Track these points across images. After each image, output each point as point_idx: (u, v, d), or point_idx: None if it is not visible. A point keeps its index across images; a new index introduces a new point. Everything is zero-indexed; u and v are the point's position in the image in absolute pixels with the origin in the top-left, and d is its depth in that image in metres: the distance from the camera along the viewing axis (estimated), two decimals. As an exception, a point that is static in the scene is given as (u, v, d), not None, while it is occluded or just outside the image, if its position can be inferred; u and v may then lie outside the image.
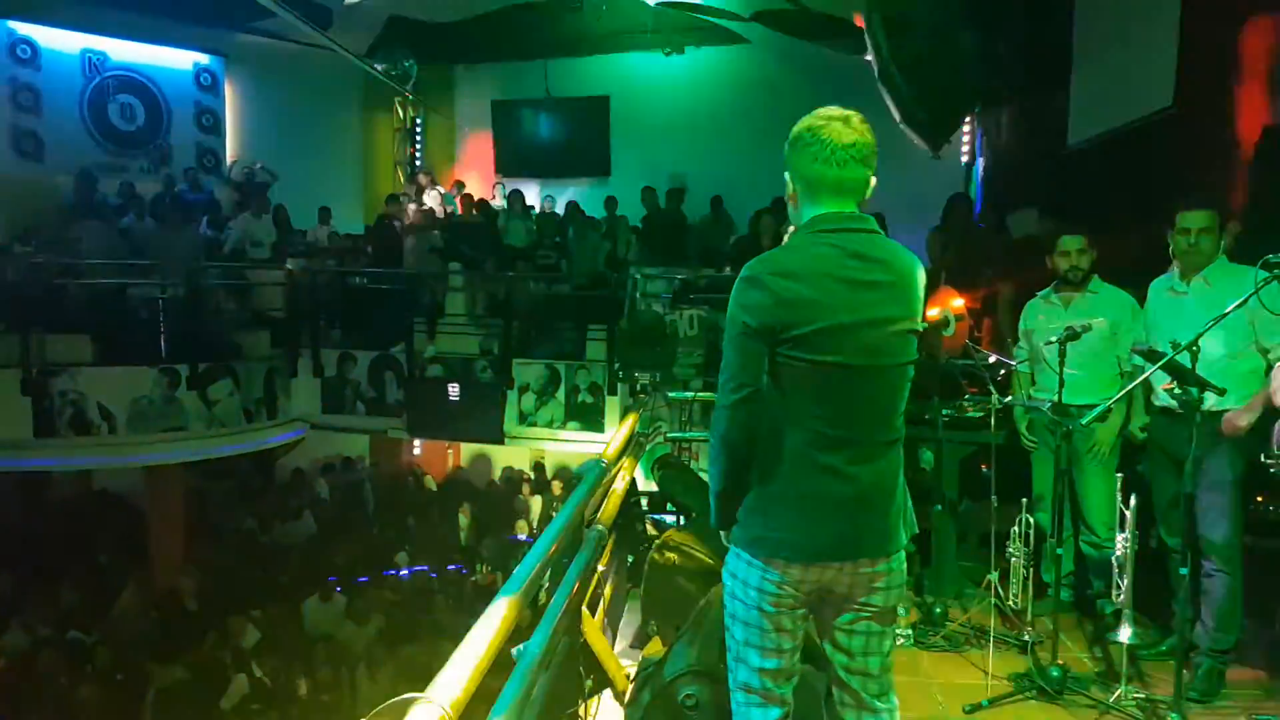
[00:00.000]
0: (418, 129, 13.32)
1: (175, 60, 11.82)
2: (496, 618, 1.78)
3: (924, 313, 1.94)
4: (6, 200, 9.83)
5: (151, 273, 8.60)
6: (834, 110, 1.90)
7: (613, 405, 8.59)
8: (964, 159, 10.38)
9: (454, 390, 8.92)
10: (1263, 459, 3.05)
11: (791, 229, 2.03)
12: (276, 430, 9.04)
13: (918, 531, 2.06)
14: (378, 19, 11.72)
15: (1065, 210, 6.39)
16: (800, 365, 1.82)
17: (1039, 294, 4.04)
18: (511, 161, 12.85)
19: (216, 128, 12.16)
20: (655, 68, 11.87)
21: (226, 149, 12.21)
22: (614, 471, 3.67)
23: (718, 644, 2.75)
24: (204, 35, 11.76)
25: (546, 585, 2.56)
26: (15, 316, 7.74)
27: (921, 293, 1.92)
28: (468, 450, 12.16)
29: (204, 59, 12.01)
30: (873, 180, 1.92)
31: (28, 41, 10.68)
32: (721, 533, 2.02)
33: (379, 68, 11.80)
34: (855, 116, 1.90)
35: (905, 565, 1.99)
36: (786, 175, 1.96)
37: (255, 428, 8.79)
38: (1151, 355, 3.00)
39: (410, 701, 1.33)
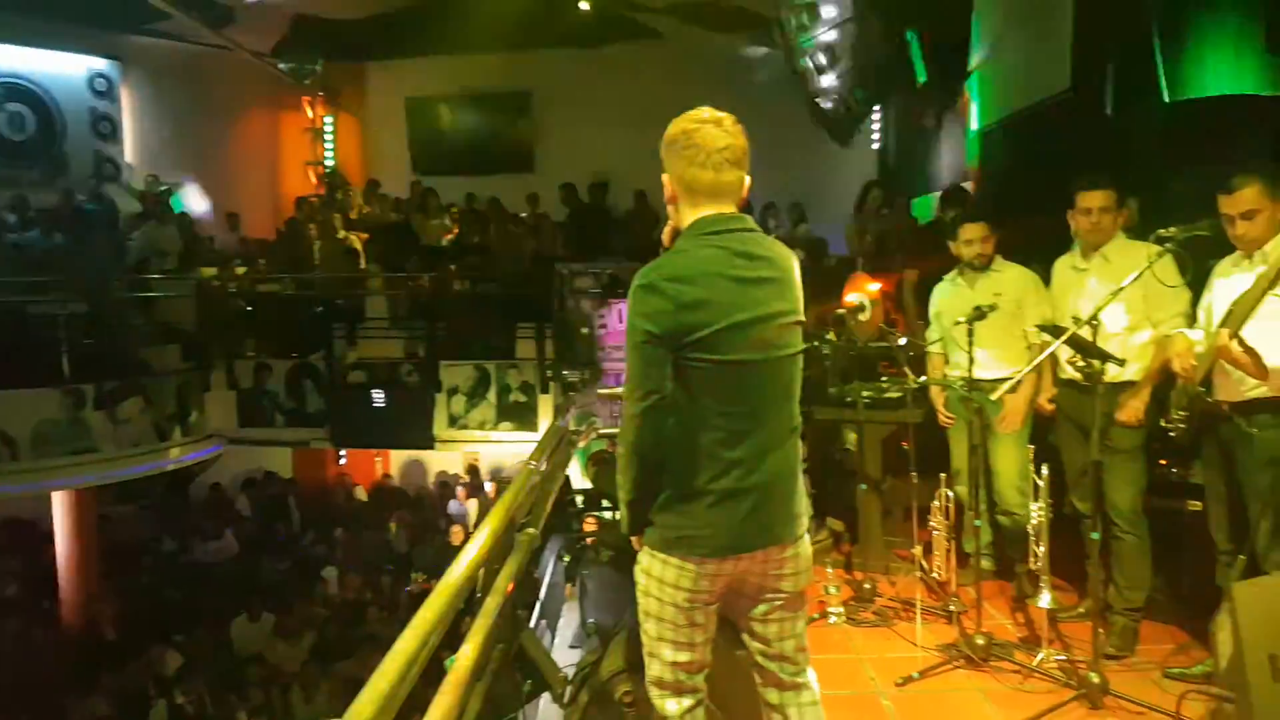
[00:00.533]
0: (327, 129, 12.94)
1: (67, 66, 11.19)
2: (422, 627, 1.74)
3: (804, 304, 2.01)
4: None
5: (51, 290, 8.17)
6: (705, 113, 1.95)
7: (545, 403, 8.53)
8: (875, 145, 10.63)
9: (379, 397, 8.72)
10: (1162, 423, 3.22)
11: (669, 226, 2.08)
12: (192, 447, 8.70)
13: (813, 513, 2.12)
14: (283, 17, 11.33)
15: (965, 194, 6.63)
16: (704, 366, 1.86)
17: (945, 277, 4.16)
18: (429, 159, 12.60)
19: (114, 135, 11.57)
20: (574, 61, 11.79)
21: (126, 156, 11.64)
22: (545, 471, 3.64)
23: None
24: (97, 39, 11.16)
25: (479, 592, 2.53)
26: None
27: (799, 286, 2.00)
28: (398, 457, 11.92)
29: (98, 64, 11.39)
30: (747, 180, 1.98)
31: None
32: (631, 538, 2.04)
33: (283, 67, 11.42)
34: (727, 119, 1.94)
35: (810, 549, 2.06)
36: (664, 177, 1.99)
37: (169, 445, 8.45)
38: (1055, 330, 3.12)
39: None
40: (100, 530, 8.83)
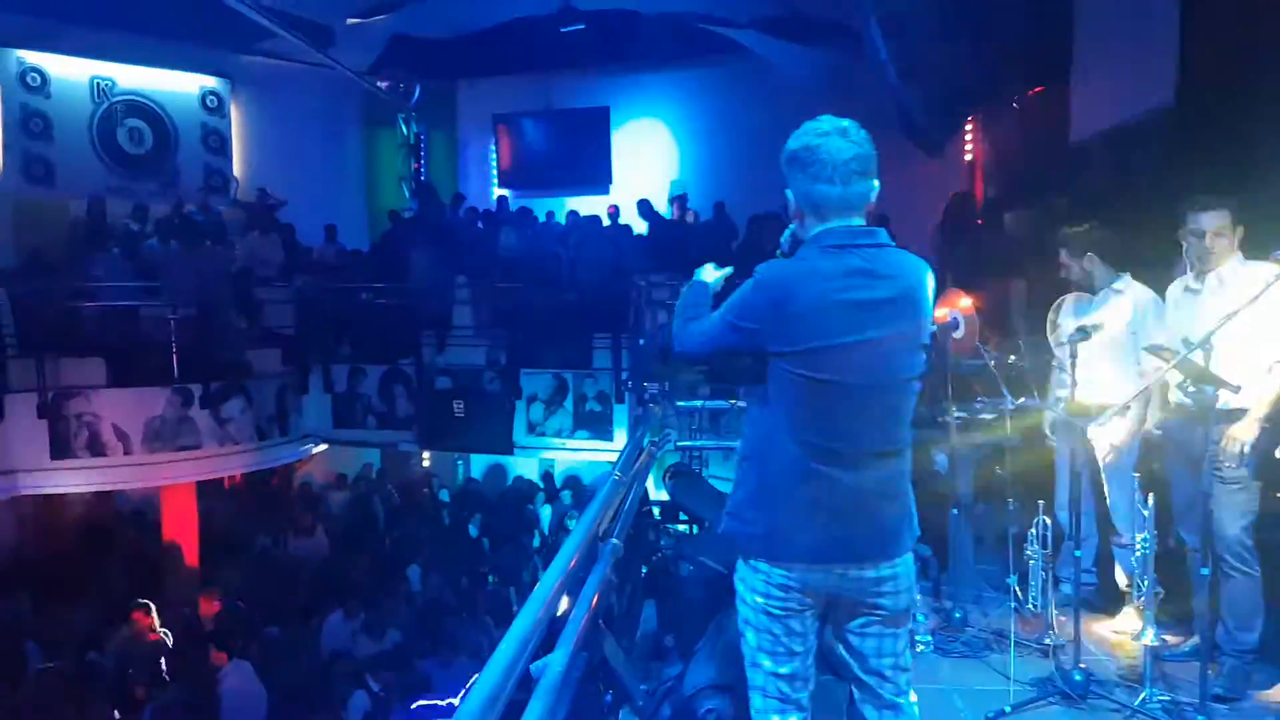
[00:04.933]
0: (421, 144, 13.39)
1: (182, 84, 11.91)
2: (517, 637, 1.79)
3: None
4: (19, 225, 9.92)
5: (162, 294, 8.65)
6: (827, 123, 1.86)
7: (621, 413, 8.60)
8: (967, 157, 10.38)
9: (459, 406, 8.93)
10: (1277, 454, 3.05)
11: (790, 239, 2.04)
12: (289, 446, 9.09)
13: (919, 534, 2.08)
14: (380, 37, 11.80)
15: (1069, 208, 6.39)
16: (795, 378, 1.84)
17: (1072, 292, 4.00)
18: (513, 174, 12.91)
19: (223, 149, 12.23)
20: (655, 78, 11.92)
21: (233, 169, 12.28)
22: (626, 483, 3.67)
23: (737, 658, 2.76)
24: (209, 58, 11.85)
25: (564, 602, 2.58)
26: (30, 341, 7.80)
27: (932, 302, 1.92)
28: (479, 461, 12.18)
29: (210, 81, 12.09)
30: (876, 186, 1.89)
31: (37, 70, 10.82)
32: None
33: (381, 86, 11.86)
34: (852, 127, 1.86)
35: (913, 569, 2.02)
36: (789, 193, 1.93)
37: (268, 444, 8.82)
38: (1164, 354, 3.00)
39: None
40: (201, 524, 9.27)
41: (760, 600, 1.95)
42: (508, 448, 9.02)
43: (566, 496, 10.50)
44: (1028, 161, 8.31)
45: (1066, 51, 6.94)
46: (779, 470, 1.90)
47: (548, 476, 11.47)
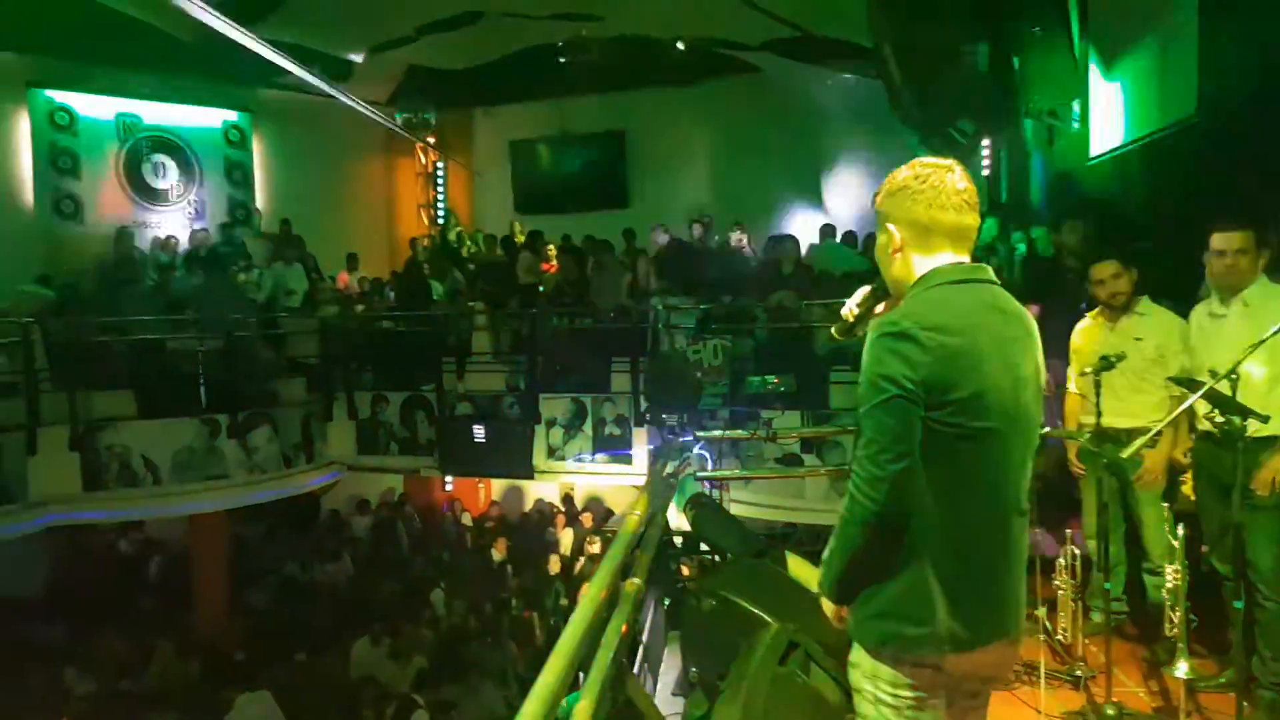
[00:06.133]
0: (439, 173, 13.54)
1: (204, 119, 12.16)
2: (545, 692, 1.80)
3: None
4: (49, 260, 10.11)
5: (189, 326, 8.78)
6: (930, 161, 1.83)
7: (639, 436, 8.59)
8: (985, 174, 10.33)
9: (480, 431, 8.97)
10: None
11: (862, 294, 1.99)
12: (314, 474, 9.16)
13: None
14: (398, 68, 11.97)
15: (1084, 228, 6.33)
16: (951, 431, 1.67)
17: (1088, 314, 3.96)
18: (529, 199, 13.00)
19: (246, 181, 12.44)
20: (669, 101, 11.99)
21: (256, 201, 12.47)
22: (647, 518, 3.66)
23: (762, 699, 2.74)
24: (231, 93, 12.09)
25: (588, 643, 2.57)
26: (62, 375, 7.94)
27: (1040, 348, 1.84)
28: (499, 485, 12.22)
29: (232, 116, 12.33)
30: (981, 225, 1.85)
31: (65, 109, 11.08)
32: (835, 610, 1.87)
33: (398, 119, 12.02)
34: (958, 166, 1.82)
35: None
36: (890, 227, 1.83)
37: (294, 472, 8.91)
38: (1191, 384, 2.96)
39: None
40: (230, 551, 9.35)
41: (901, 694, 1.75)
42: (528, 472, 9.03)
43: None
44: (1044, 181, 8.26)
45: (1080, 67, 6.91)
46: (930, 547, 1.70)
47: (568, 499, 11.48)
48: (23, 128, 10.78)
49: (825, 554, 1.83)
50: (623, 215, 11.66)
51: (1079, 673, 3.43)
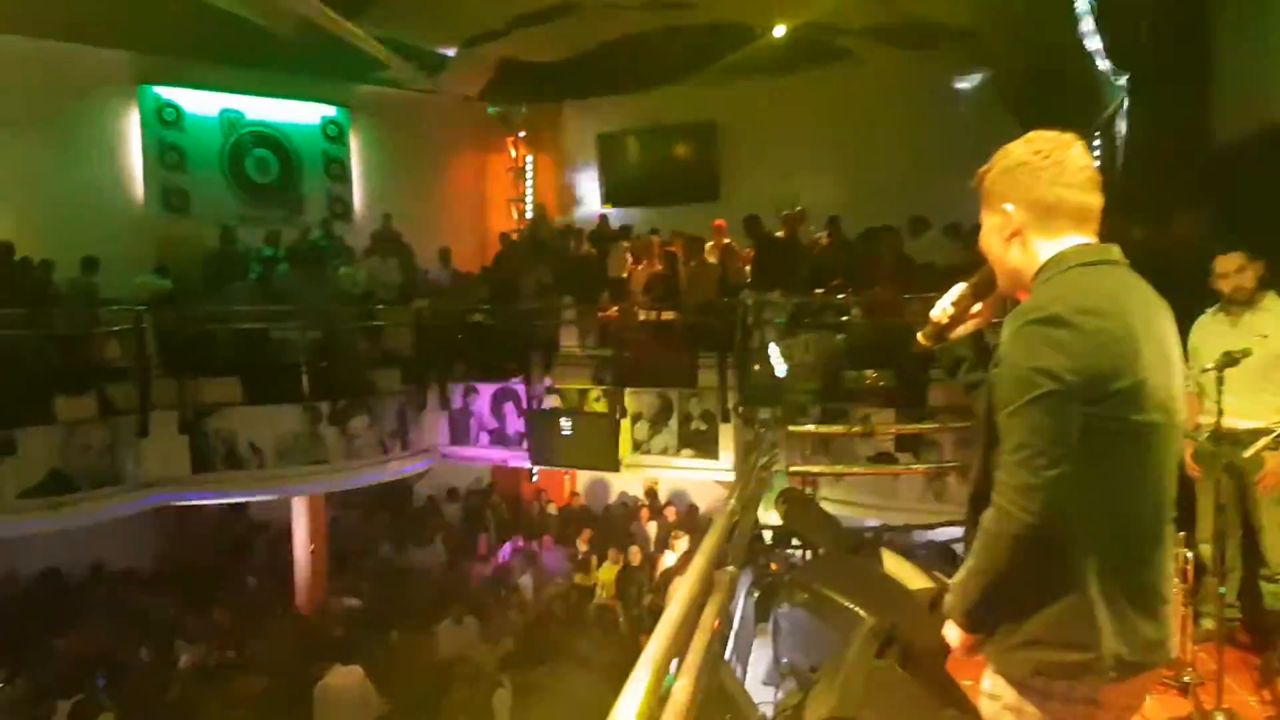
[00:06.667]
0: (529, 167, 13.75)
1: (304, 114, 12.49)
2: (651, 661, 1.85)
3: None
4: (159, 252, 10.58)
5: (291, 318, 9.15)
6: (1052, 134, 1.68)
7: (726, 432, 8.58)
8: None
9: (567, 424, 9.11)
10: None
11: (965, 289, 1.87)
12: (408, 460, 9.49)
13: None
14: (489, 62, 12.20)
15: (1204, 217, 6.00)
16: (1112, 427, 1.51)
17: (1207, 310, 3.80)
18: (618, 192, 13.06)
19: (344, 176, 12.82)
20: (761, 90, 11.85)
21: (354, 195, 12.88)
22: (740, 510, 3.69)
23: (859, 689, 2.73)
24: (329, 89, 12.45)
25: (685, 630, 2.62)
26: (172, 363, 8.36)
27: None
28: (584, 477, 12.37)
29: (330, 111, 12.64)
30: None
31: (173, 105, 11.45)
32: (959, 636, 1.72)
33: (491, 111, 12.26)
34: (1078, 141, 1.68)
35: None
36: (1007, 207, 1.68)
37: (389, 459, 9.24)
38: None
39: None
40: (329, 533, 9.76)
41: None
42: (614, 465, 9.14)
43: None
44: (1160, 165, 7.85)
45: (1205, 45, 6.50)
46: (1079, 557, 1.55)
47: (651, 494, 11.56)
48: (133, 124, 11.13)
49: (959, 576, 1.69)
50: (713, 208, 11.59)
51: (1187, 679, 3.30)
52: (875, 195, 10.41)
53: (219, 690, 7.05)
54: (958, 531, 5.35)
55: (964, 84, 10.59)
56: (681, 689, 2.15)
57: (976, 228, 1.85)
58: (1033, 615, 1.58)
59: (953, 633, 1.73)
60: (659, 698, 2.03)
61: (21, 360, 7.72)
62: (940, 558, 4.72)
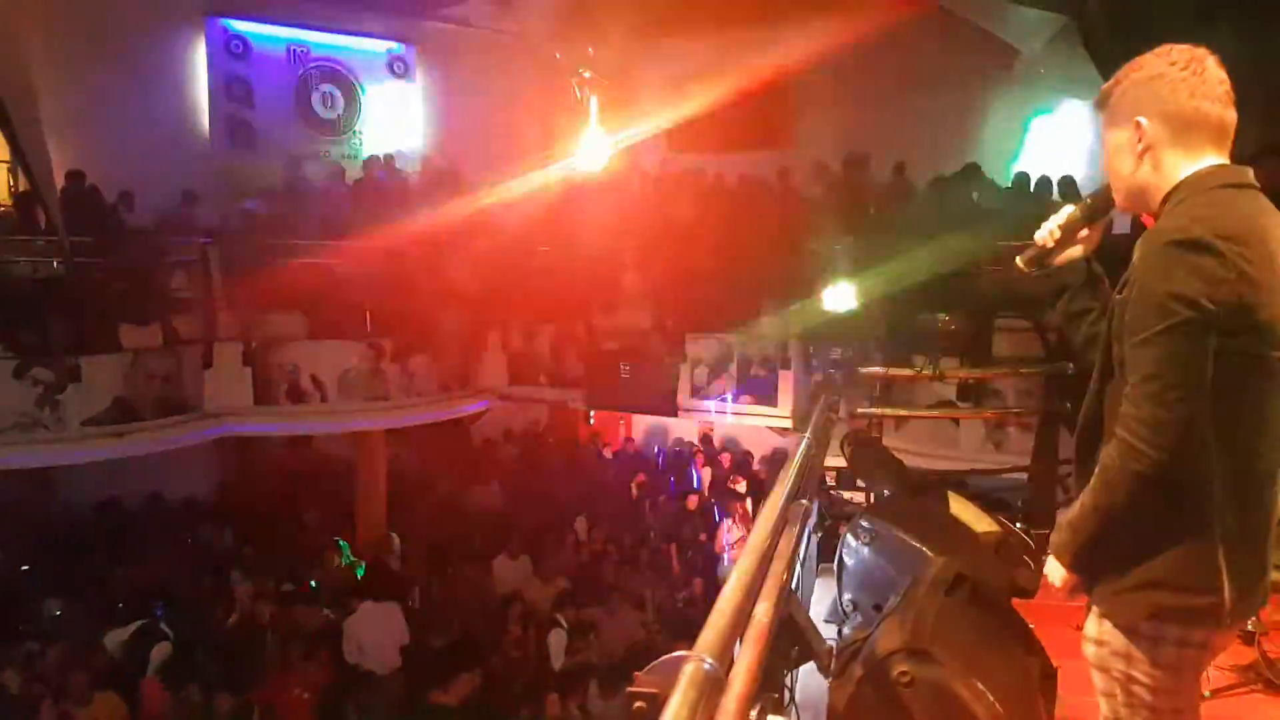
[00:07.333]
0: (594, 109, 13.53)
1: (370, 48, 12.39)
2: (741, 582, 1.85)
3: None
4: (224, 185, 10.56)
5: (355, 254, 9.21)
6: (1184, 46, 1.57)
7: (785, 379, 8.48)
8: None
9: (626, 368, 9.10)
10: None
11: (1077, 210, 1.76)
12: (468, 400, 9.60)
13: None
14: (559, 2, 11.97)
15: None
16: (1245, 362, 1.46)
17: None
18: (685, 136, 12.82)
19: (408, 112, 12.78)
20: (831, 34, 11.44)
21: (419, 132, 12.83)
22: (814, 447, 3.64)
23: (930, 623, 2.68)
24: (396, 24, 12.33)
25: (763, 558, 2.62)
26: (237, 295, 8.45)
27: None
28: (639, 421, 12.40)
29: (396, 47, 12.54)
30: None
31: (240, 38, 11.39)
32: (1062, 575, 1.67)
33: (558, 55, 12.08)
34: (1211, 55, 1.57)
35: None
36: (1141, 120, 1.57)
37: (449, 397, 9.33)
38: None
39: (682, 660, 1.38)
40: (389, 469, 9.92)
41: (1160, 676, 1.56)
42: (671, 410, 9.14)
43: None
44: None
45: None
46: (1217, 500, 1.49)
47: (706, 439, 11.54)
48: (200, 56, 11.10)
49: (1072, 513, 1.61)
50: (779, 154, 11.34)
51: (1250, 627, 3.17)
52: (945, 143, 10.10)
53: (276, 621, 7.20)
54: (1014, 481, 5.25)
55: (1044, 29, 10.08)
56: (763, 610, 2.14)
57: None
58: (1150, 557, 1.53)
59: (1057, 572, 1.67)
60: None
61: (88, 289, 7.81)
62: (998, 507, 4.65)
